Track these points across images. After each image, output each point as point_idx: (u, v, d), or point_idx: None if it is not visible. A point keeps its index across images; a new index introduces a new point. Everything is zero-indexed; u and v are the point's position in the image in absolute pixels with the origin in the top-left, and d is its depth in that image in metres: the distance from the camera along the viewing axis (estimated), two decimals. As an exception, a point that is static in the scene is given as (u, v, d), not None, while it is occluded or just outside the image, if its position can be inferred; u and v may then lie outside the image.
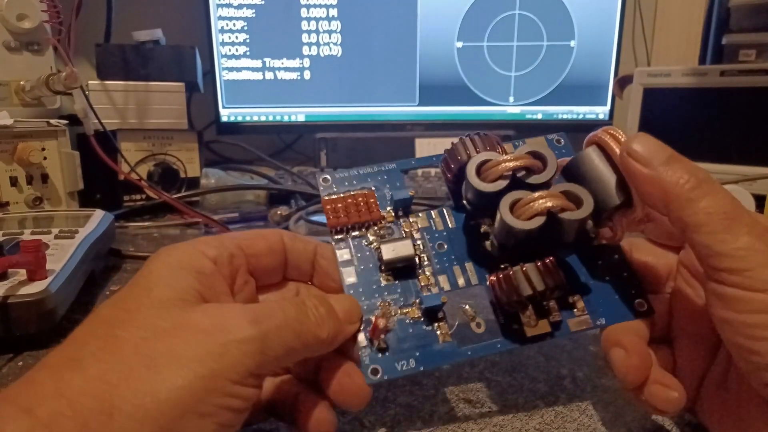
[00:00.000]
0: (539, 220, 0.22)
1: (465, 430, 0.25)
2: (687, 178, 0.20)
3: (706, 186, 0.20)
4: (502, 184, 0.23)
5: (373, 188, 0.27)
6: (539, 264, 0.23)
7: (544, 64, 0.88)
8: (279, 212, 0.60)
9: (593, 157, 0.23)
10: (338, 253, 0.26)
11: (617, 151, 0.22)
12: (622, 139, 0.22)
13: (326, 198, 0.27)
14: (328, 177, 0.28)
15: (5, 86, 0.56)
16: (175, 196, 0.61)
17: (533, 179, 0.23)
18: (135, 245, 0.52)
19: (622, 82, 0.86)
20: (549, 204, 0.22)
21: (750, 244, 0.19)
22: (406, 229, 0.27)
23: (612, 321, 0.25)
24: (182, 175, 0.68)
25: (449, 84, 0.88)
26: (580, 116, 0.91)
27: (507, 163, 0.23)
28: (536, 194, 0.22)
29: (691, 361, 0.24)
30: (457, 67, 0.88)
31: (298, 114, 0.88)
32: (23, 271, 0.33)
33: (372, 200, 0.27)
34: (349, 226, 0.26)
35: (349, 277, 0.25)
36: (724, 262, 0.19)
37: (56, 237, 0.39)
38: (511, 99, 0.90)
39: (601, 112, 0.91)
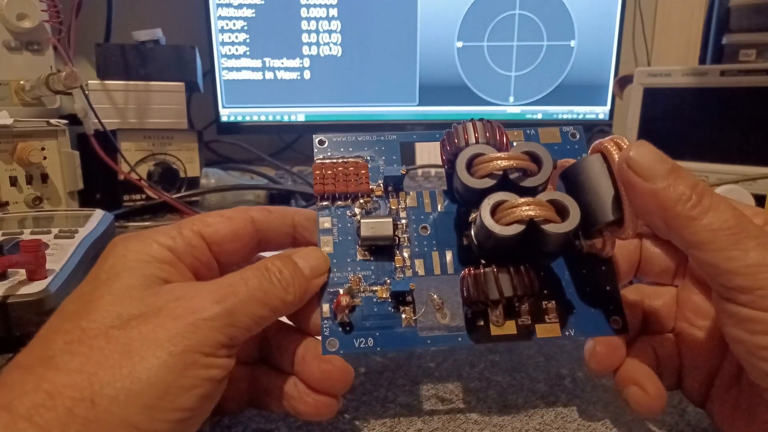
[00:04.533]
0: (518, 228, 0.21)
1: (465, 430, 0.25)
2: (689, 194, 0.19)
3: (707, 200, 0.19)
4: (490, 182, 0.22)
5: (368, 158, 0.27)
6: (512, 270, 0.22)
7: (544, 64, 0.88)
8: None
9: (595, 165, 0.22)
10: (320, 220, 0.26)
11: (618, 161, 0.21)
12: None
13: (317, 162, 0.26)
14: (325, 139, 0.27)
15: (5, 86, 0.55)
16: (175, 195, 0.61)
17: (526, 182, 0.22)
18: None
19: (622, 82, 0.86)
20: (532, 213, 0.21)
21: (761, 260, 0.18)
22: (393, 207, 0.26)
23: (581, 334, 0.24)
24: (182, 174, 0.68)
25: (449, 84, 0.88)
26: (580, 116, 0.91)
27: (499, 161, 0.22)
28: (521, 200, 0.21)
29: (700, 357, 0.24)
30: (457, 67, 0.88)
31: (298, 114, 0.88)
32: (23, 271, 0.33)
33: (363, 171, 0.26)
34: (336, 195, 0.26)
35: (326, 246, 0.25)
36: (734, 280, 0.18)
37: (56, 237, 0.39)
38: (511, 99, 0.90)
39: (601, 112, 0.91)
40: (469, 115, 0.97)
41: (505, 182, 0.23)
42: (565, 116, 0.91)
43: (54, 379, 0.17)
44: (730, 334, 0.19)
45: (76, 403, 0.17)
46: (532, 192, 0.22)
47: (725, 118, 0.69)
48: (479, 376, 0.29)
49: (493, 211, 0.22)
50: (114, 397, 0.17)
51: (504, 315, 0.23)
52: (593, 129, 0.91)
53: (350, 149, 0.27)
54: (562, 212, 0.22)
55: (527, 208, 0.21)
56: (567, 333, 0.24)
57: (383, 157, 0.27)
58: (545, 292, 0.25)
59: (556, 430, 0.25)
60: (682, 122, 0.72)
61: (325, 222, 0.26)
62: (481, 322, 0.24)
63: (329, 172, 0.26)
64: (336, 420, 0.26)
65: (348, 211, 0.26)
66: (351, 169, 0.26)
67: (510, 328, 0.24)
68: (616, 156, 0.21)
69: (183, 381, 0.18)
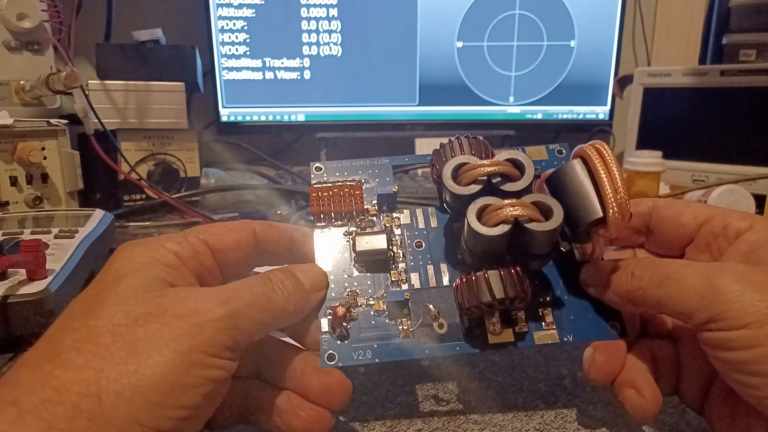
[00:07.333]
0: (504, 228, 0.22)
1: (465, 430, 0.25)
2: (645, 283, 0.21)
3: (668, 277, 0.21)
4: (475, 188, 0.23)
5: (362, 181, 0.28)
6: (503, 272, 0.22)
7: (544, 64, 0.88)
8: (279, 212, 0.60)
9: (577, 169, 0.23)
10: (317, 239, 0.27)
11: (599, 167, 0.22)
12: (607, 155, 0.22)
13: (314, 186, 0.28)
14: (321, 166, 0.29)
15: (5, 86, 0.55)
16: (175, 195, 0.61)
17: (508, 186, 0.23)
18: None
19: (622, 82, 0.86)
20: (516, 213, 0.22)
21: (753, 312, 0.19)
22: (387, 224, 0.27)
23: (580, 339, 0.24)
24: (182, 174, 0.68)
25: (449, 84, 0.88)
26: (580, 116, 0.91)
27: (483, 168, 0.23)
28: (506, 202, 0.22)
29: (699, 360, 0.24)
30: (457, 67, 0.88)
31: (298, 114, 0.88)
32: (23, 271, 0.33)
33: (358, 192, 0.27)
34: (332, 215, 0.27)
35: (323, 263, 0.26)
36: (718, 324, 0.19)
37: (56, 237, 0.39)
38: (511, 99, 0.90)
39: (601, 112, 0.91)
40: (469, 115, 0.96)
41: (490, 189, 0.23)
42: (565, 116, 0.91)
43: (61, 376, 0.17)
44: (712, 356, 0.20)
45: (83, 399, 0.17)
46: (515, 197, 0.23)
47: (725, 118, 0.69)
48: (479, 376, 0.29)
49: (480, 216, 0.22)
50: (119, 393, 0.17)
51: (501, 323, 0.24)
52: (593, 129, 0.90)
53: (345, 173, 0.28)
54: (546, 213, 0.22)
55: (512, 208, 0.22)
56: (565, 339, 0.24)
57: (377, 179, 0.28)
58: (542, 299, 0.25)
59: (556, 430, 0.25)
60: (682, 122, 0.72)
61: (322, 240, 0.27)
62: (478, 332, 0.24)
63: (325, 194, 0.27)
64: (336, 420, 0.26)
65: (344, 230, 0.27)
66: (346, 190, 0.27)
67: (507, 336, 0.24)
68: (595, 160, 0.22)
69: (187, 379, 0.18)
